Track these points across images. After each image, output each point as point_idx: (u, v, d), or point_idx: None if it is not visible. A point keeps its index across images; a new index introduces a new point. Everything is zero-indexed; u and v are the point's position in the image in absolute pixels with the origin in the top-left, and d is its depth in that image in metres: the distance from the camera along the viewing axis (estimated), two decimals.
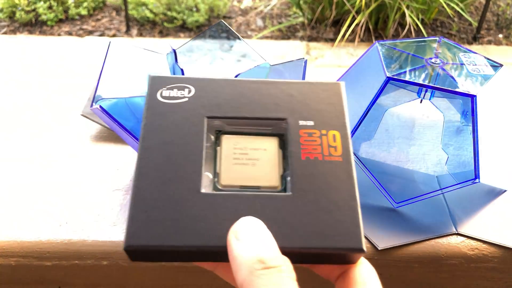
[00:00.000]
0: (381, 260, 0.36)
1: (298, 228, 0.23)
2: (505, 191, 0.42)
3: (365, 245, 0.23)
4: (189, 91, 0.27)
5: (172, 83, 0.27)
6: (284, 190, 0.25)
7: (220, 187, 0.25)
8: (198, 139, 0.26)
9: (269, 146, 0.27)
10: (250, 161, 0.26)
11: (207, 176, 0.25)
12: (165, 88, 0.27)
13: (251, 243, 0.21)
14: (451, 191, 0.39)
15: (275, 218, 0.23)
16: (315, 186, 0.24)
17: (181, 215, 0.23)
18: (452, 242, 0.37)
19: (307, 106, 0.27)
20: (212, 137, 0.27)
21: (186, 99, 0.27)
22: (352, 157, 0.26)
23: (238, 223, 0.22)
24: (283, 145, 0.27)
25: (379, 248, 0.36)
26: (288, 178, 0.25)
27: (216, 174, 0.26)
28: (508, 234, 0.38)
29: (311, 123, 0.27)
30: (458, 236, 0.38)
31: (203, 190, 0.24)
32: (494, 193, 0.41)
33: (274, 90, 0.28)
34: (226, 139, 0.27)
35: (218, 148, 0.27)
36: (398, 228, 0.38)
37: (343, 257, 0.24)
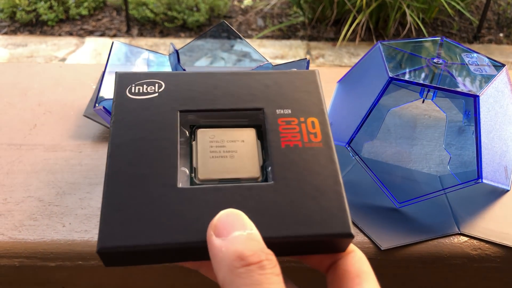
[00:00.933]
0: (384, 261, 0.36)
1: (282, 216, 0.22)
2: (508, 190, 0.42)
3: (353, 230, 0.22)
4: (160, 86, 0.26)
5: (140, 79, 0.26)
6: (266, 180, 0.25)
7: (198, 182, 0.24)
8: (171, 134, 0.24)
9: (246, 138, 0.26)
10: (228, 154, 0.25)
11: (183, 171, 0.25)
12: (133, 85, 0.26)
13: (230, 238, 0.20)
14: (454, 191, 0.39)
15: (258, 209, 0.22)
16: (297, 173, 0.24)
17: (157, 212, 0.22)
18: (455, 242, 0.37)
19: (283, 95, 0.27)
20: (187, 132, 0.26)
21: (156, 94, 0.26)
22: (333, 142, 0.25)
23: (217, 217, 0.21)
24: (261, 136, 0.26)
25: (382, 248, 0.36)
26: (269, 169, 0.25)
27: (193, 169, 0.25)
28: (511, 234, 0.38)
29: (288, 111, 0.26)
30: (461, 236, 0.38)
31: (180, 185, 0.23)
32: (496, 193, 0.42)
33: (249, 80, 0.27)
34: (201, 133, 0.26)
35: (194, 142, 0.26)
36: (400, 228, 0.38)
37: (332, 244, 0.23)
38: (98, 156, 0.45)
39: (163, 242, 0.21)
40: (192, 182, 0.24)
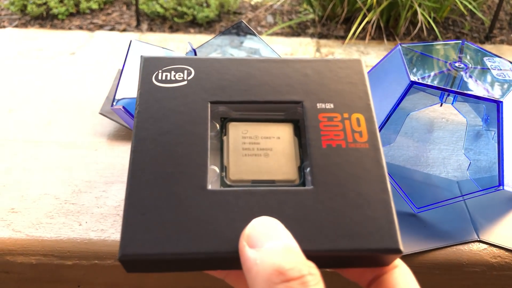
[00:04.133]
0: None
1: (322, 227, 0.20)
2: None
3: (402, 245, 0.20)
4: (189, 73, 0.24)
5: (168, 64, 0.24)
6: (303, 184, 0.22)
7: (229, 183, 0.22)
8: (201, 128, 0.22)
9: (283, 134, 0.24)
10: (262, 152, 0.23)
11: (213, 170, 0.23)
12: (160, 71, 0.24)
13: (266, 249, 0.18)
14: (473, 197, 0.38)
15: (295, 217, 0.20)
16: (340, 177, 0.21)
17: (185, 217, 0.20)
18: (474, 249, 0.37)
19: (325, 87, 0.24)
20: (217, 126, 0.24)
21: (185, 82, 0.24)
22: (380, 143, 0.22)
23: (250, 226, 0.19)
24: (299, 133, 0.24)
25: None
26: (307, 170, 0.22)
27: (223, 168, 0.23)
28: None
29: (330, 105, 0.23)
30: (480, 243, 0.37)
31: (209, 187, 0.21)
32: None
33: (286, 69, 0.25)
34: (234, 127, 0.24)
35: (225, 137, 0.24)
36: (419, 233, 0.38)
37: (377, 259, 0.20)
38: (114, 154, 0.45)
39: (190, 251, 0.19)
40: (222, 182, 0.22)
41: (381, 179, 0.22)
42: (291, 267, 0.17)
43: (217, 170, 0.23)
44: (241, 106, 0.24)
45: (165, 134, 0.22)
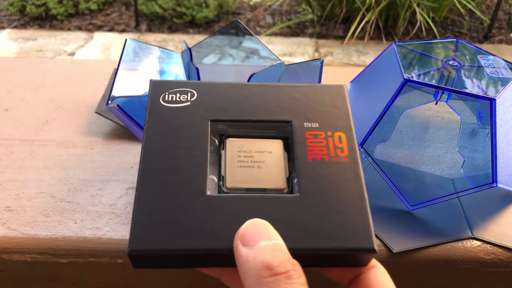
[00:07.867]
0: (396, 264, 0.36)
1: (307, 229, 0.22)
2: None
3: (376, 246, 0.22)
4: (192, 95, 0.27)
5: (173, 87, 0.27)
6: (291, 192, 0.25)
7: (225, 190, 0.25)
8: (202, 142, 0.25)
9: (274, 149, 0.27)
10: (256, 164, 0.26)
11: (212, 179, 0.25)
12: (167, 92, 0.27)
13: (257, 248, 0.20)
14: (467, 195, 0.38)
15: (283, 220, 0.23)
16: (323, 186, 0.24)
17: (186, 218, 0.23)
18: (468, 246, 0.37)
19: (311, 109, 0.27)
20: (216, 141, 0.27)
21: (189, 103, 0.27)
22: (359, 158, 0.25)
23: (244, 227, 0.21)
24: (288, 148, 0.27)
25: (394, 251, 0.36)
26: (295, 180, 0.25)
27: (221, 177, 0.25)
28: None
29: (316, 125, 0.26)
30: (474, 240, 0.37)
31: (208, 193, 0.24)
32: (510, 197, 0.41)
33: (278, 93, 0.28)
34: (230, 142, 0.27)
35: (223, 151, 0.26)
36: (413, 231, 0.38)
37: (355, 259, 0.23)
38: (110, 153, 0.45)
39: (191, 247, 0.22)
40: (219, 190, 0.25)
41: (360, 188, 0.24)
42: (278, 264, 0.19)
43: (215, 179, 0.25)
44: (237, 124, 0.27)
45: (170, 147, 0.25)
